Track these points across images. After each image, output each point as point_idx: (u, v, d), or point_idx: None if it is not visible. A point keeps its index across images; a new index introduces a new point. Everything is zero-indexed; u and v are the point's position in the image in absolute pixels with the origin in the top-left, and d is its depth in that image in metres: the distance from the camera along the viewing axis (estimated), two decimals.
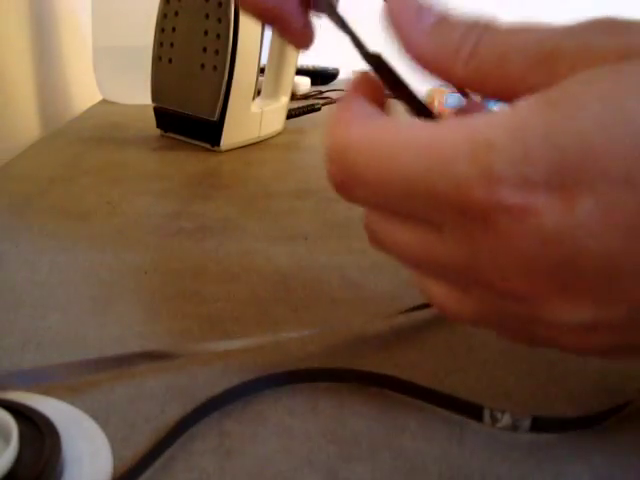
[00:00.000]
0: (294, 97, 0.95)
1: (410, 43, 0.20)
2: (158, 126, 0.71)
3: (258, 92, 0.70)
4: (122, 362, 0.27)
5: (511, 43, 0.18)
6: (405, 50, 0.20)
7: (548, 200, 0.15)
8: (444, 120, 0.17)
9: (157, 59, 0.66)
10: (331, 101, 0.93)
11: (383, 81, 0.22)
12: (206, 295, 0.34)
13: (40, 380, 0.25)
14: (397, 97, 0.21)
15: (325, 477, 0.21)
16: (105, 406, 0.25)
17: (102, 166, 0.59)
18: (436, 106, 0.86)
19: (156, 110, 0.69)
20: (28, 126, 0.76)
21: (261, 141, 0.70)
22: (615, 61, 0.16)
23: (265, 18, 0.27)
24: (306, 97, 1.00)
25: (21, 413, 0.22)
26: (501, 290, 0.18)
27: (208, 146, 0.66)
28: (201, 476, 0.21)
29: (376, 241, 0.20)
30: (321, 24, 0.27)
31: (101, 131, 0.75)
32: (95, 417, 0.24)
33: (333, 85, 1.12)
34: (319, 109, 0.83)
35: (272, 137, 0.73)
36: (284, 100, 0.74)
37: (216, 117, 0.63)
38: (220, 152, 0.65)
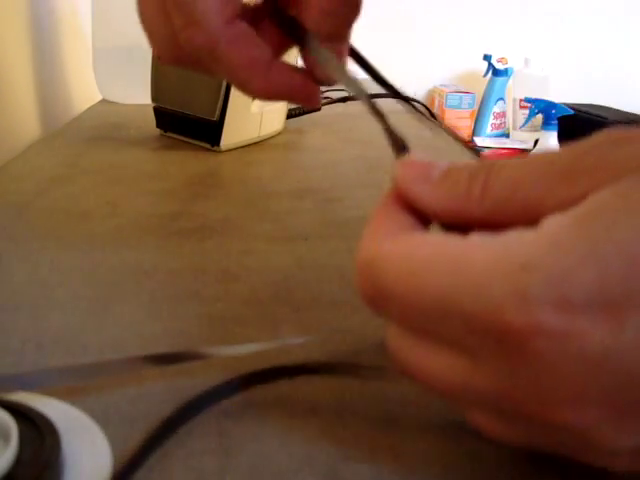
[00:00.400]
0: None
1: (421, 199, 0.20)
2: (158, 126, 0.71)
3: None
4: (132, 364, 0.26)
5: (522, 170, 0.18)
6: (420, 208, 0.20)
7: (592, 320, 0.14)
8: (475, 236, 0.17)
9: (157, 59, 0.66)
10: (331, 101, 0.92)
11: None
12: (206, 295, 0.34)
13: (48, 383, 0.25)
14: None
15: (325, 477, 0.21)
16: (105, 406, 0.25)
17: (102, 166, 0.59)
18: (436, 106, 0.86)
19: (156, 110, 0.69)
20: (28, 126, 0.76)
21: (261, 141, 0.70)
22: (638, 169, 0.16)
23: (276, 99, 0.28)
24: None
25: (21, 413, 0.22)
26: (547, 420, 0.16)
27: (208, 146, 0.66)
28: (201, 476, 0.21)
29: (402, 364, 0.19)
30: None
31: (101, 131, 0.75)
32: (95, 417, 0.24)
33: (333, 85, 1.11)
34: (319, 109, 0.83)
35: (272, 137, 0.73)
36: None
37: (216, 117, 0.63)
38: (220, 152, 0.65)
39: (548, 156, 0.18)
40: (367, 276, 0.18)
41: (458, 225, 0.19)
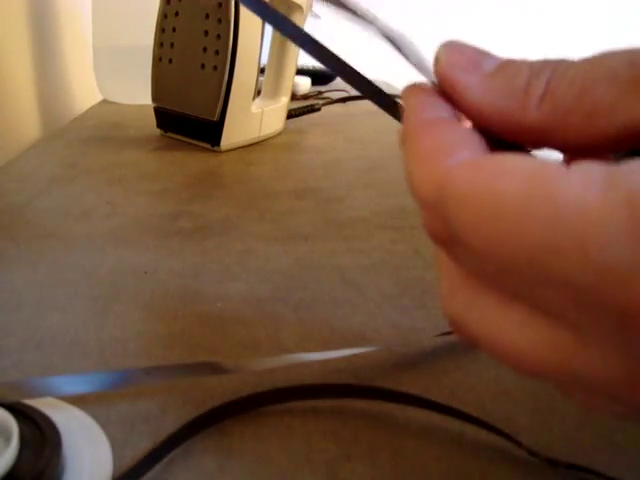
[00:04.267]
0: (294, 97, 0.95)
1: (467, 93, 0.16)
2: (158, 126, 0.71)
3: (258, 92, 0.70)
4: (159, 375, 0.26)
5: (592, 72, 0.15)
6: (462, 104, 0.16)
7: None
8: (584, 165, 0.12)
9: (157, 59, 0.66)
10: (331, 101, 0.93)
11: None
12: (206, 295, 0.34)
13: (52, 393, 0.25)
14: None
15: (325, 477, 0.21)
16: (106, 406, 0.25)
17: (102, 166, 0.59)
18: None
19: (156, 110, 0.69)
20: (28, 126, 0.76)
21: (261, 141, 0.71)
22: None
23: None
24: (306, 97, 1.00)
25: (22, 413, 0.22)
26: None
27: (208, 146, 0.66)
28: (201, 476, 0.21)
29: (470, 330, 0.15)
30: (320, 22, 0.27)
31: (101, 131, 0.75)
32: (96, 417, 0.24)
33: (333, 85, 1.12)
34: (319, 109, 0.83)
35: (272, 137, 0.73)
36: (284, 100, 0.74)
37: (216, 117, 0.63)
38: (220, 152, 0.65)
39: (629, 54, 0.15)
40: (437, 214, 0.14)
41: (503, 131, 0.16)
